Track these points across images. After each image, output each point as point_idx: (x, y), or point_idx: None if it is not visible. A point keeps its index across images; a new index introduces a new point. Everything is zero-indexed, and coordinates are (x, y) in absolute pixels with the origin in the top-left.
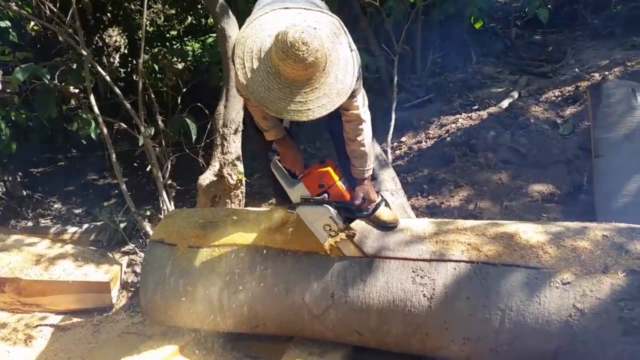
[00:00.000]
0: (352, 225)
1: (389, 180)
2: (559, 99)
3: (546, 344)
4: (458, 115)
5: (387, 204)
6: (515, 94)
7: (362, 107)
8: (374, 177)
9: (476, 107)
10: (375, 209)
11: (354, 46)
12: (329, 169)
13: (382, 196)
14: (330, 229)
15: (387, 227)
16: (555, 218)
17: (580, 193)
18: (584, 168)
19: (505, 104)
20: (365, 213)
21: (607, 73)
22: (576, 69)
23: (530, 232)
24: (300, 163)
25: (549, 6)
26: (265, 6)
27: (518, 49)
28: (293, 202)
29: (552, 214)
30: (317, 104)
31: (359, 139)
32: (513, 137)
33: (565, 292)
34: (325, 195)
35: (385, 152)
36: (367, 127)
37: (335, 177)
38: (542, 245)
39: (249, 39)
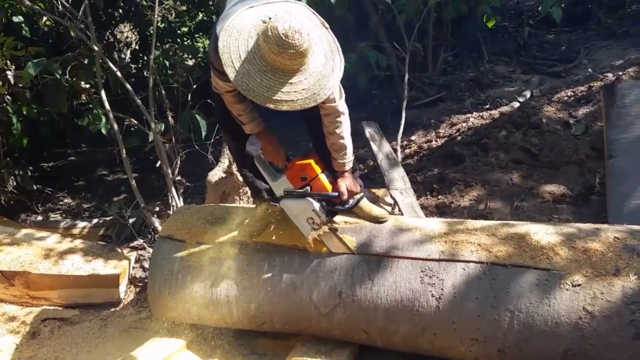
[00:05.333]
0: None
1: (398, 179)
2: (572, 99)
3: (555, 346)
4: (469, 115)
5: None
6: (528, 94)
7: (339, 99)
8: (353, 170)
9: (488, 106)
10: (357, 202)
11: (327, 24)
12: (311, 161)
13: (362, 189)
14: (313, 222)
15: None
16: (566, 219)
17: (592, 194)
18: (597, 169)
19: (517, 103)
20: (347, 206)
21: (621, 73)
22: (589, 69)
23: (541, 233)
24: (281, 156)
25: (563, 5)
26: (230, 9)
27: (531, 48)
28: (276, 195)
29: (563, 215)
30: (319, 86)
31: (337, 131)
32: (525, 137)
33: (576, 294)
34: (308, 188)
35: (395, 150)
36: (345, 120)
37: (317, 170)
38: (553, 246)
39: (231, 46)
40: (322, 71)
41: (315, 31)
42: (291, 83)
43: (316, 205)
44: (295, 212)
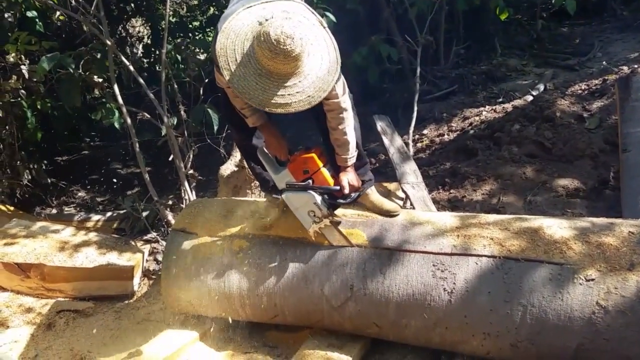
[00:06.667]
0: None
1: (410, 173)
2: (586, 92)
3: (568, 340)
4: (482, 108)
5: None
6: (541, 87)
7: (341, 95)
8: (364, 163)
9: (500, 99)
10: (358, 196)
11: (324, 23)
12: (313, 155)
13: (368, 182)
14: (314, 215)
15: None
16: (580, 214)
17: (606, 188)
18: (611, 163)
19: (530, 97)
20: (348, 200)
21: (636, 66)
22: (604, 62)
23: (554, 228)
24: (284, 149)
25: None
26: (231, 8)
27: (544, 41)
28: (279, 188)
29: (577, 210)
30: (314, 88)
31: (340, 127)
32: (538, 131)
33: (589, 289)
34: (310, 181)
35: (407, 144)
36: (348, 116)
37: (320, 163)
38: (567, 240)
39: (228, 49)
40: (317, 73)
41: (311, 32)
42: (286, 86)
43: (318, 198)
44: (297, 205)
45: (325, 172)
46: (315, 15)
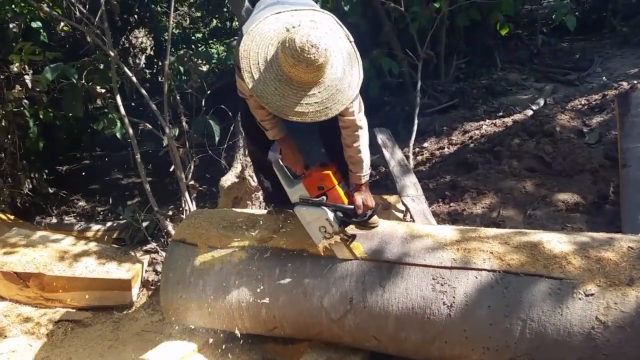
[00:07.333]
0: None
1: (410, 186)
2: (586, 107)
3: (567, 356)
4: (482, 122)
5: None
6: (541, 102)
7: (357, 113)
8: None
9: (501, 114)
10: (371, 215)
11: (351, 37)
12: (330, 172)
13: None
14: (325, 231)
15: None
16: (579, 228)
17: (606, 203)
18: (610, 178)
19: (530, 111)
20: (362, 218)
21: (635, 82)
22: (604, 77)
23: (554, 242)
24: (300, 163)
25: (577, 13)
26: (259, 13)
27: (544, 56)
28: (292, 201)
29: (576, 224)
30: (332, 101)
31: (355, 145)
32: (538, 145)
33: (589, 304)
34: (324, 197)
35: (407, 157)
36: (363, 134)
37: (335, 181)
38: (566, 255)
39: (251, 52)
40: (337, 86)
41: (336, 44)
42: (305, 95)
43: (330, 214)
44: (309, 220)
45: (340, 190)
46: (343, 28)
